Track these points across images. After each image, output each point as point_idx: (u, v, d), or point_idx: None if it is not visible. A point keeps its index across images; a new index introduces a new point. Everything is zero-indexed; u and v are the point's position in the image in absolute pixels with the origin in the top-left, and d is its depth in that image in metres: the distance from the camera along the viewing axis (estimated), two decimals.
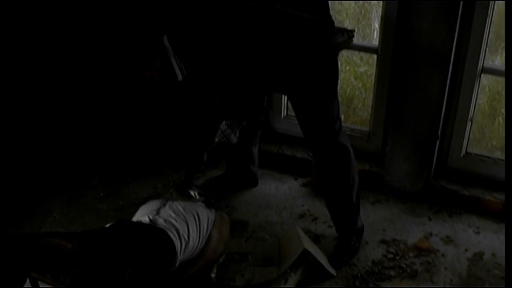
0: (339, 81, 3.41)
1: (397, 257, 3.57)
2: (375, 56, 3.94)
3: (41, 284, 2.93)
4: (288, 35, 3.04)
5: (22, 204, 3.98)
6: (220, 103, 3.49)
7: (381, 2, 3.81)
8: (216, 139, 3.59)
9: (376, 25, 4.29)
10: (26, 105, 4.11)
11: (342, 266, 3.52)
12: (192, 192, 3.61)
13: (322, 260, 3.41)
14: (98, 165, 4.33)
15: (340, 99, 4.35)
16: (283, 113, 4.29)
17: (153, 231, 3.05)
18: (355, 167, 3.53)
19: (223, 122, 3.55)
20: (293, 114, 4.21)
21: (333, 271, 3.42)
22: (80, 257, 2.81)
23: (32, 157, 4.17)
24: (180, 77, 3.22)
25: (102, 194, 4.11)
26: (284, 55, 3.09)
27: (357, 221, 3.62)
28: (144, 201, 3.58)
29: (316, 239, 3.71)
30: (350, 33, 3.30)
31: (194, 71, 3.24)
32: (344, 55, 4.53)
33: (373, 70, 4.11)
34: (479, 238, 3.71)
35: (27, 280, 2.88)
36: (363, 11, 4.60)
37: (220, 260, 3.40)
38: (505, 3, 3.21)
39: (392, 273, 3.47)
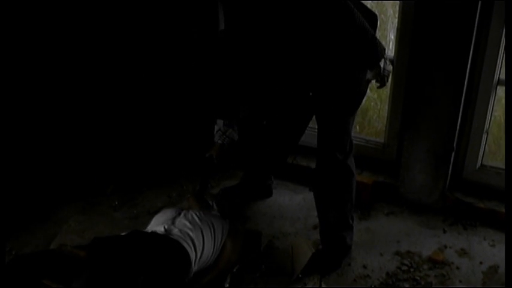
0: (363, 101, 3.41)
1: (412, 269, 3.55)
2: (390, 67, 3.93)
3: None
4: (346, 40, 3.01)
5: (36, 212, 4.00)
6: (212, 100, 3.41)
7: (397, 13, 3.80)
8: (219, 141, 3.59)
9: (392, 36, 4.29)
10: (42, 112, 4.14)
11: (324, 276, 3.50)
12: (209, 201, 3.61)
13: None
14: (112, 175, 4.34)
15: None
16: None
17: (168, 242, 3.06)
18: (354, 193, 3.53)
19: (222, 123, 3.55)
20: (309, 125, 4.23)
21: (324, 285, 3.42)
22: (91, 264, 2.82)
23: (47, 165, 4.20)
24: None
25: (117, 203, 4.12)
26: (329, 58, 3.05)
27: (346, 238, 3.60)
28: (158, 210, 3.58)
29: None
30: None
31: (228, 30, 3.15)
32: None
33: (388, 81, 4.10)
34: (494, 251, 3.68)
35: None
36: (378, 22, 4.59)
37: (234, 270, 3.40)
38: (505, 3, 3.22)
39: (406, 285, 3.45)
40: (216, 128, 3.60)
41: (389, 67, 3.22)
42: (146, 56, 4.23)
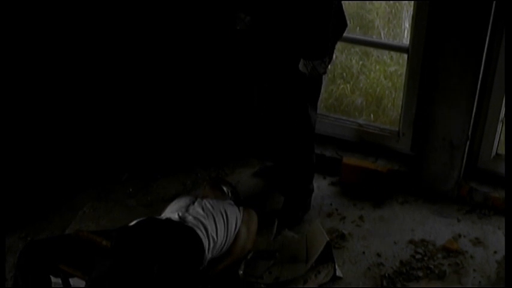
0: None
1: (426, 258, 3.55)
2: (406, 56, 3.92)
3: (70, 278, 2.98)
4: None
5: (52, 198, 4.02)
6: None
7: (412, 2, 3.79)
8: (238, 27, 3.57)
9: (407, 24, 4.29)
10: (56, 101, 4.16)
11: (299, 222, 3.79)
12: (225, 188, 3.62)
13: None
14: (127, 162, 4.35)
15: (370, 99, 4.37)
16: None
17: (182, 229, 3.07)
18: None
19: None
20: (322, 113, 4.24)
21: (339, 273, 3.42)
22: (114, 253, 2.84)
23: (63, 152, 4.22)
24: None
25: (131, 190, 4.14)
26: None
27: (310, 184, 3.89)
28: (173, 198, 3.59)
29: (342, 237, 3.71)
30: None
31: None
32: (374, 55, 4.53)
33: (403, 70, 4.10)
34: None
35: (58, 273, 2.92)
36: (393, 11, 4.59)
37: (248, 257, 3.41)
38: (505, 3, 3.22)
39: (420, 273, 3.45)
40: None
41: (322, 69, 3.32)
42: (159, 45, 4.23)
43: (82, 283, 2.87)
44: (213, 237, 3.12)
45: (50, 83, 4.09)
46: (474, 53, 3.48)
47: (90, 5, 4.04)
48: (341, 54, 4.58)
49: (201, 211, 3.23)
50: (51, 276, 2.92)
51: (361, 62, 4.57)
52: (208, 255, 3.11)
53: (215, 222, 3.19)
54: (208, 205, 3.29)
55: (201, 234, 3.07)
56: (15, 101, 3.92)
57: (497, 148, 3.90)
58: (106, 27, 4.14)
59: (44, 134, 4.11)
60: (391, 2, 4.61)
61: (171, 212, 3.29)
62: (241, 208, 3.46)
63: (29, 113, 4.03)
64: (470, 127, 3.74)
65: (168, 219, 3.16)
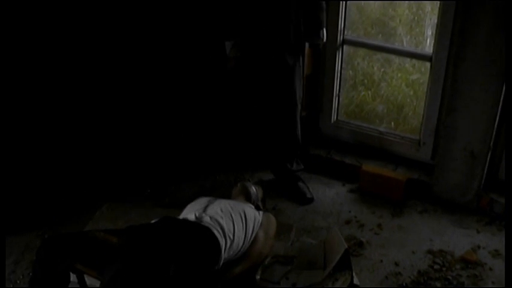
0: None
1: (444, 269, 3.53)
2: (428, 64, 3.90)
3: (86, 277, 2.99)
4: None
5: (70, 198, 4.04)
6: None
7: (435, 10, 3.76)
8: (238, 54, 3.74)
9: (429, 32, 4.25)
10: (77, 106, 4.20)
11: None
12: (252, 195, 3.61)
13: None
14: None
15: (391, 106, 4.34)
16: (333, 117, 4.28)
17: (198, 228, 3.06)
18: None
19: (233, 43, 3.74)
20: (343, 119, 4.23)
21: (357, 281, 3.40)
22: (124, 251, 2.84)
23: (82, 153, 4.25)
24: None
25: (149, 191, 4.14)
26: None
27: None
28: (191, 199, 3.59)
29: (360, 245, 3.69)
30: None
31: None
32: (396, 62, 4.50)
33: (425, 78, 4.07)
34: None
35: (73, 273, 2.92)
36: (416, 18, 4.56)
37: (266, 262, 3.40)
38: (505, 3, 3.19)
39: (438, 284, 3.43)
40: (229, 44, 3.73)
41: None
42: (174, 51, 4.24)
43: (97, 283, 2.88)
44: (229, 236, 3.10)
45: (73, 87, 4.13)
46: (499, 63, 3.45)
47: (90, 7, 4.06)
48: (363, 60, 4.56)
49: (219, 211, 3.21)
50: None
51: (382, 69, 4.55)
52: (224, 255, 3.08)
53: (233, 222, 3.17)
54: (228, 205, 3.28)
55: (217, 233, 3.05)
56: (33, 104, 3.95)
57: None
58: (114, 33, 4.17)
59: (65, 137, 4.15)
60: (414, 9, 4.57)
61: (189, 212, 3.28)
62: (260, 212, 3.45)
63: (48, 117, 4.07)
64: (492, 137, 3.71)
65: (184, 219, 3.16)
